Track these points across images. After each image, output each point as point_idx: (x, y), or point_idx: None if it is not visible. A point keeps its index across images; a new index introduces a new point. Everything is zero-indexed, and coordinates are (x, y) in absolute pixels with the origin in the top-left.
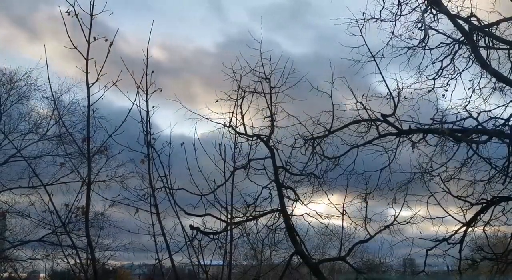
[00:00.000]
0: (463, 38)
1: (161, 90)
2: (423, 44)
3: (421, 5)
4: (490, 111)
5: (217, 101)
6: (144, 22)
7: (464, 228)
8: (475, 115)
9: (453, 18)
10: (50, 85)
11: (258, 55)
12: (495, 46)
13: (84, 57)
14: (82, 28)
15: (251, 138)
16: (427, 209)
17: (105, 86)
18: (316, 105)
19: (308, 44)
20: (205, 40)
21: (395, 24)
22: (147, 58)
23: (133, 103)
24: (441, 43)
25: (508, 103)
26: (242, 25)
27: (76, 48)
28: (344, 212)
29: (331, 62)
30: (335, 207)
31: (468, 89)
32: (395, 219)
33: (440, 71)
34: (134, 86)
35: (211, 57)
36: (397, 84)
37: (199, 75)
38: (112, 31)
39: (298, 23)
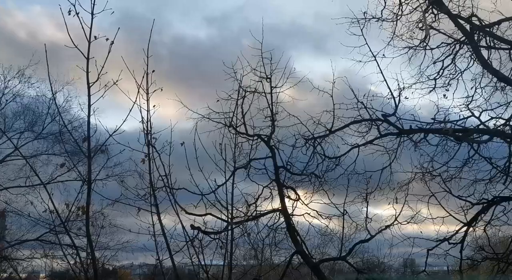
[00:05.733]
0: (464, 38)
1: (161, 89)
2: (424, 44)
3: (422, 5)
4: (491, 110)
5: (218, 100)
6: None
7: (465, 228)
8: (477, 114)
9: (454, 18)
10: (50, 83)
11: (259, 54)
12: (496, 46)
13: (85, 56)
14: (82, 27)
15: (251, 138)
16: (428, 209)
17: (105, 85)
18: None
19: (201, 26)
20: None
21: (396, 24)
22: (147, 57)
23: (134, 103)
24: (442, 43)
25: (509, 103)
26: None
27: (76, 47)
28: (345, 212)
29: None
30: (336, 207)
31: (471, 89)
32: (396, 219)
33: (441, 71)
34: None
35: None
36: (398, 84)
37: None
38: None
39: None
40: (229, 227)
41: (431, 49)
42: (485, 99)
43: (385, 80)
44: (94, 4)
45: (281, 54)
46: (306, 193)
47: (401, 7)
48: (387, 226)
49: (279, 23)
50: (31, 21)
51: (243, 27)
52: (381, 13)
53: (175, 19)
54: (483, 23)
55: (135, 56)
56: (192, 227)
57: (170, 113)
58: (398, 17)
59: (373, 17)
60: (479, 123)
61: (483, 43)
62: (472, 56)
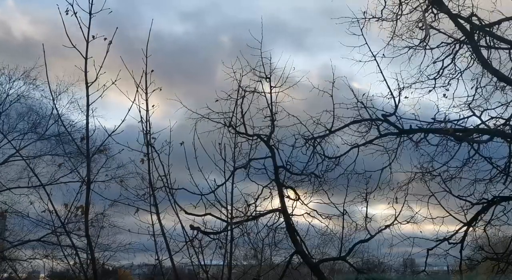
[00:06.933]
0: (464, 37)
1: (160, 89)
2: (424, 44)
3: (422, 4)
4: (491, 110)
5: (217, 100)
6: None
7: (465, 228)
8: (477, 114)
9: (454, 17)
10: (49, 84)
11: (258, 54)
12: (496, 45)
13: (83, 56)
14: (81, 27)
15: (251, 138)
16: (428, 208)
17: (104, 85)
18: None
19: (177, 22)
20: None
21: (396, 24)
22: (146, 57)
23: (133, 102)
24: (442, 42)
25: (509, 103)
26: None
27: (74, 46)
28: (345, 211)
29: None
30: (336, 207)
31: (471, 89)
32: (395, 219)
33: (441, 70)
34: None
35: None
36: (398, 84)
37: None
38: None
39: None
40: (229, 227)
41: (431, 48)
42: (485, 99)
43: (385, 79)
44: (92, 4)
45: (265, 51)
46: (306, 193)
47: (401, 7)
48: (387, 226)
49: (255, 18)
50: (3, 16)
51: (219, 23)
52: (381, 13)
53: (149, 14)
54: (483, 23)
55: (112, 52)
56: (192, 227)
57: (158, 112)
58: (398, 17)
59: (373, 17)
60: (479, 122)
61: (483, 42)
62: (472, 56)
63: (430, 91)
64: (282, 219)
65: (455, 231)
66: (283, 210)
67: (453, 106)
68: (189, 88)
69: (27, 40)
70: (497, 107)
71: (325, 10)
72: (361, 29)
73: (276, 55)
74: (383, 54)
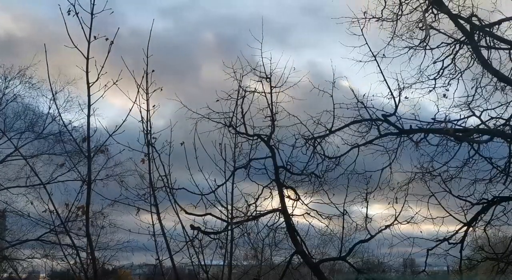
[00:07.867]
0: (464, 38)
1: (161, 89)
2: (424, 44)
3: (422, 4)
4: (491, 110)
5: (217, 100)
6: None
7: (465, 228)
8: (477, 114)
9: (454, 18)
10: (50, 83)
11: (259, 54)
12: (496, 46)
13: (85, 56)
14: (82, 27)
15: (251, 138)
16: (428, 209)
17: (105, 85)
18: None
19: (156, 18)
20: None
21: (396, 24)
22: (147, 57)
23: (134, 103)
24: (442, 43)
25: (509, 103)
26: None
27: (76, 47)
28: (345, 211)
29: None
30: (336, 207)
31: (471, 89)
32: (395, 219)
33: (441, 71)
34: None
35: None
36: (398, 84)
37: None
38: None
39: None
40: (229, 227)
41: (431, 49)
42: (485, 99)
43: (385, 80)
44: (93, 4)
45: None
46: (306, 193)
47: (401, 7)
48: (387, 226)
49: (236, 13)
50: None
51: (200, 19)
52: (381, 13)
53: (128, 10)
54: (483, 23)
55: (94, 49)
56: (192, 227)
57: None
58: (398, 17)
59: (373, 17)
60: (479, 123)
61: (483, 43)
62: (472, 56)
63: (430, 91)
64: (282, 219)
65: (455, 231)
66: (283, 210)
67: (453, 106)
68: (174, 85)
69: (9, 37)
70: (497, 107)
71: (308, 7)
72: (361, 29)
73: (257, 52)
74: (383, 54)
